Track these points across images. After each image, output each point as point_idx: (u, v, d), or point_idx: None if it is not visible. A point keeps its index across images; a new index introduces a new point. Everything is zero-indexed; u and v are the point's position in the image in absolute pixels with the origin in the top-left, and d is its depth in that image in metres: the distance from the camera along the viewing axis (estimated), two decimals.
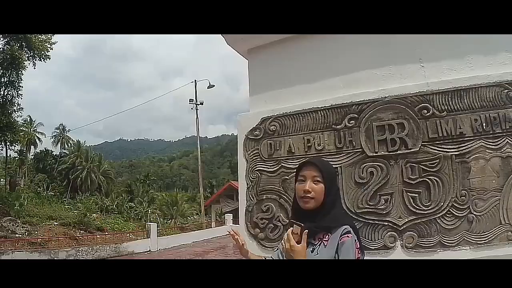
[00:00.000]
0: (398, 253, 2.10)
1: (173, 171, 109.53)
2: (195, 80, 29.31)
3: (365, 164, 2.22)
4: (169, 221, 28.62)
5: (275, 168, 2.48)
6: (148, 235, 19.12)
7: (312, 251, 1.74)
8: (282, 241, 1.89)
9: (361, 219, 2.18)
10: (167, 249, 18.62)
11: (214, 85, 29.17)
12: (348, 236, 1.68)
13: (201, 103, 29.65)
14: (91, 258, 15.79)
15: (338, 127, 2.34)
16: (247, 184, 2.58)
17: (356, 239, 1.72)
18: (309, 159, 2.06)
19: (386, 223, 2.13)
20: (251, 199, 2.55)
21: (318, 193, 1.80)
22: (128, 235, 19.83)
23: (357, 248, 1.70)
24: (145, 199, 37.75)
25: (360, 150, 2.25)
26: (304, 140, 2.42)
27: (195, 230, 23.83)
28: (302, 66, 2.62)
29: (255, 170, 2.55)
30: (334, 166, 2.21)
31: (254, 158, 2.57)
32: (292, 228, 1.79)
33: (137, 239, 19.05)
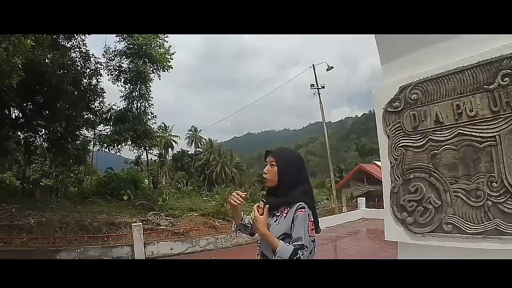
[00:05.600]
0: None
1: None
2: (313, 65, 29.09)
3: None
4: None
5: (422, 142, 2.17)
6: None
7: (275, 221, 2.27)
8: (252, 212, 2.37)
9: None
10: None
11: (333, 67, 28.70)
12: (301, 211, 2.14)
13: (323, 87, 29.24)
14: (229, 245, 16.70)
15: (490, 87, 1.90)
16: (391, 162, 2.27)
17: (310, 214, 2.17)
18: (268, 150, 2.47)
19: None
20: (396, 180, 2.25)
21: (272, 175, 2.33)
22: None
23: (310, 221, 2.16)
24: None
25: None
26: (453, 106, 2.04)
27: (326, 216, 23.44)
28: None
29: (398, 147, 2.26)
30: (491, 134, 1.85)
31: (396, 133, 2.28)
32: (258, 203, 2.38)
33: None
